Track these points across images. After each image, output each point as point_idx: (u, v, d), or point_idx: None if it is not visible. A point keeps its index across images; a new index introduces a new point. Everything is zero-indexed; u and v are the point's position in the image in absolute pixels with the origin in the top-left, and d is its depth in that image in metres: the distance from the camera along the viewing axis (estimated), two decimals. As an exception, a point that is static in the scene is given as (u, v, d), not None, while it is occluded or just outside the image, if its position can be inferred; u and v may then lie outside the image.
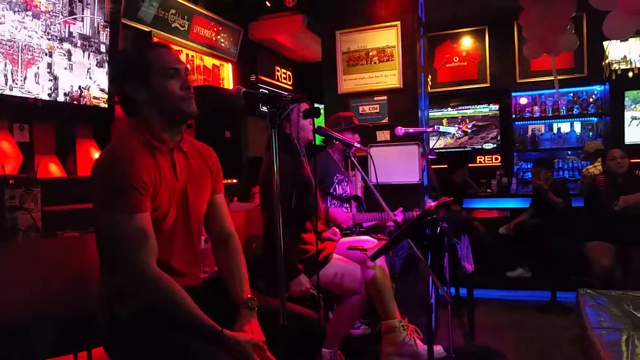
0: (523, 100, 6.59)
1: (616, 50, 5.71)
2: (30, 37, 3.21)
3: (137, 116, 1.61)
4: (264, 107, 5.90)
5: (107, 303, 1.56)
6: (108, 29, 3.75)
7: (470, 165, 6.36)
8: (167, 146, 1.60)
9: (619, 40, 5.58)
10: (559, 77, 5.38)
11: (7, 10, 3.06)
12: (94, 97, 3.68)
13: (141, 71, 1.57)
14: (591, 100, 6.31)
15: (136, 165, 1.48)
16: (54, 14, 3.36)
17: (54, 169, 3.57)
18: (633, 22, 3.99)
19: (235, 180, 5.13)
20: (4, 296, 1.67)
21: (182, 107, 1.59)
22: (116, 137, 1.64)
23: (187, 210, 1.64)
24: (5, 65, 3.07)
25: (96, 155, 3.79)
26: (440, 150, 6.44)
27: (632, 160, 3.93)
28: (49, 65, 3.36)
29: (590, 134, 6.35)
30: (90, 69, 3.63)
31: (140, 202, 1.47)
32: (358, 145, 2.93)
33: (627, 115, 5.90)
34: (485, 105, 6.64)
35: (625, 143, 5.77)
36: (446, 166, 5.65)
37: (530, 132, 6.63)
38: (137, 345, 1.50)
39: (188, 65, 1.66)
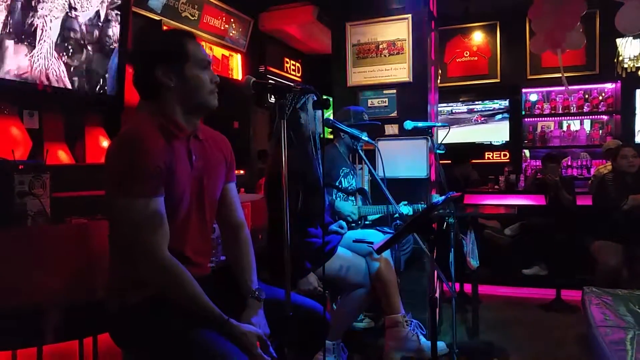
0: (533, 97, 6.55)
1: (629, 48, 5.65)
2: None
3: (157, 101, 1.58)
4: (272, 99, 5.90)
5: (117, 290, 1.56)
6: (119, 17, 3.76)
7: (478, 161, 6.34)
8: (183, 133, 1.59)
9: (632, 38, 5.52)
10: (570, 74, 5.34)
11: None
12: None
13: (179, 58, 1.56)
14: (601, 98, 6.25)
15: (151, 149, 1.47)
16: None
17: (63, 156, 3.59)
18: None
19: (242, 171, 5.15)
20: (11, 280, 1.69)
21: (208, 99, 1.61)
22: (131, 121, 1.62)
23: (202, 198, 1.64)
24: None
25: (105, 143, 3.81)
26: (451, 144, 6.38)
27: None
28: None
29: (600, 132, 6.30)
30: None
31: (155, 186, 1.46)
32: (366, 139, 2.92)
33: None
34: (495, 101, 6.60)
35: (636, 142, 5.73)
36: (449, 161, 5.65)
37: (539, 129, 6.59)
38: (145, 332, 1.51)
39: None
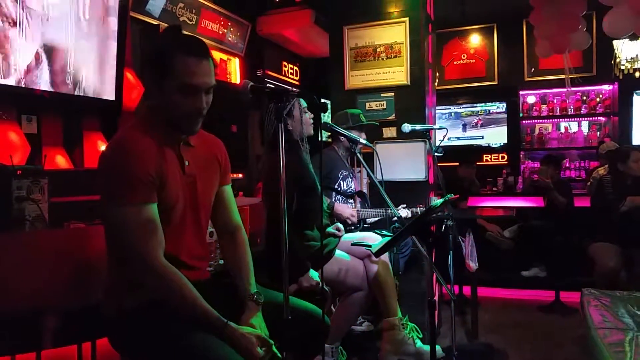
0: (531, 99, 6.56)
1: (626, 50, 5.67)
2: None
3: (152, 102, 1.59)
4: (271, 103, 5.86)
5: (114, 295, 1.57)
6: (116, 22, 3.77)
7: (476, 163, 6.35)
8: (172, 140, 1.59)
9: (628, 40, 5.54)
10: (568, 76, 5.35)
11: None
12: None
13: (162, 73, 1.50)
14: (599, 99, 6.26)
15: (143, 156, 1.47)
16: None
17: (61, 161, 3.58)
18: (634, 21, 3.96)
19: (241, 175, 5.15)
20: (10, 285, 1.69)
21: (182, 123, 1.55)
22: (124, 128, 1.63)
23: (196, 203, 1.63)
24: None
25: (103, 147, 3.81)
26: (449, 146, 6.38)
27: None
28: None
29: (598, 133, 6.31)
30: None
31: (147, 194, 1.47)
32: (364, 142, 2.92)
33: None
34: (493, 103, 6.61)
35: (633, 143, 5.74)
36: (456, 164, 5.66)
37: (537, 131, 6.59)
38: (143, 337, 1.51)
39: (214, 82, 1.55)
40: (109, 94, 3.78)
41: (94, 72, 3.67)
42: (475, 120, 6.70)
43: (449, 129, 6.51)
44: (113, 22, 3.77)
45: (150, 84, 1.56)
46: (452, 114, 6.78)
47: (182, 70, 1.48)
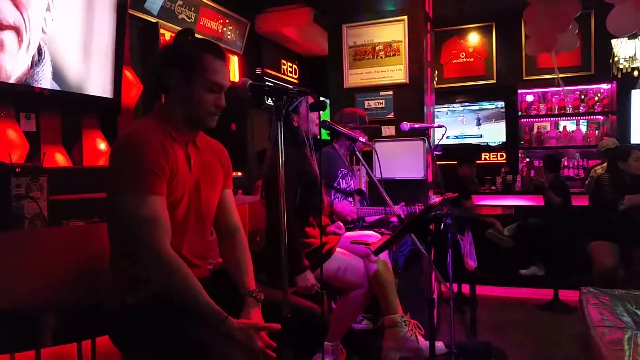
0: (529, 98, 6.56)
1: (624, 49, 5.67)
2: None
3: (165, 102, 1.64)
4: (269, 100, 5.86)
5: (117, 290, 1.57)
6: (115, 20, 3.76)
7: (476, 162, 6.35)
8: (182, 138, 1.63)
9: (627, 39, 5.55)
10: (566, 75, 5.36)
11: None
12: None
13: (190, 70, 1.57)
14: (597, 98, 6.27)
15: (154, 148, 1.51)
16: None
17: (60, 159, 3.58)
18: (638, 19, 3.96)
19: (240, 173, 5.15)
20: (9, 284, 1.68)
21: (205, 120, 1.63)
22: (135, 122, 1.67)
23: (199, 203, 1.66)
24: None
25: (102, 145, 3.81)
26: (448, 145, 6.37)
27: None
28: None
29: (597, 132, 6.31)
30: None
31: (157, 185, 1.49)
32: (364, 140, 2.93)
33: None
34: (491, 102, 6.62)
35: (632, 142, 5.75)
36: (453, 162, 5.65)
37: (536, 130, 6.60)
38: (144, 332, 1.52)
39: (229, 84, 1.66)
40: (108, 92, 3.77)
41: (93, 70, 3.66)
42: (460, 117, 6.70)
43: (461, 124, 6.62)
44: (112, 20, 3.76)
45: (172, 81, 1.60)
46: (465, 109, 6.78)
47: (210, 68, 1.58)
